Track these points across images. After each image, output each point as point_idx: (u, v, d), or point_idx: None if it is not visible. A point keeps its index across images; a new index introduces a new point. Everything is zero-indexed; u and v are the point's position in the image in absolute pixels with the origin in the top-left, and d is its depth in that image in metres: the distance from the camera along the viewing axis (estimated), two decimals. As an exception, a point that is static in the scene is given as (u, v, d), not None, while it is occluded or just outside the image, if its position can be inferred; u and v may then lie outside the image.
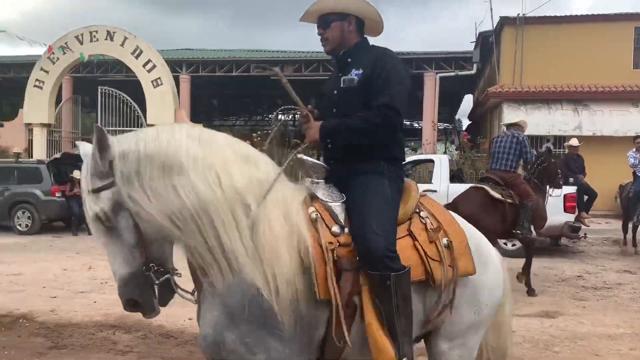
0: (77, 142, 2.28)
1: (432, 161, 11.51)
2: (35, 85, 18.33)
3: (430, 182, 11.23)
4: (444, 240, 2.35)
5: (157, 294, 2.11)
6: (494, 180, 6.95)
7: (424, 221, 2.39)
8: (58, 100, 19.48)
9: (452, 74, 18.76)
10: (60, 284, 7.23)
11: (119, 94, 17.72)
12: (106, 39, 17.67)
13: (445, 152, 17.22)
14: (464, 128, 26.67)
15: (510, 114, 16.03)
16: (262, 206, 2.08)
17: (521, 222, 6.67)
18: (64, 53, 17.63)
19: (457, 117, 31.91)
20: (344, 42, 2.56)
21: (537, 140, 16.44)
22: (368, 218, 2.20)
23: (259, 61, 20.27)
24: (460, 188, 8.45)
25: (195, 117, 20.84)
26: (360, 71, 2.43)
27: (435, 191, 10.49)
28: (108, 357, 2.89)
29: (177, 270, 2.18)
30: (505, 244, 9.66)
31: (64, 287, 5.99)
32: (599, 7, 71.07)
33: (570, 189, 9.73)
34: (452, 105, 28.74)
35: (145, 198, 2.00)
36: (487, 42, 18.64)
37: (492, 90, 16.76)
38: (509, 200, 6.67)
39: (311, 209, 2.22)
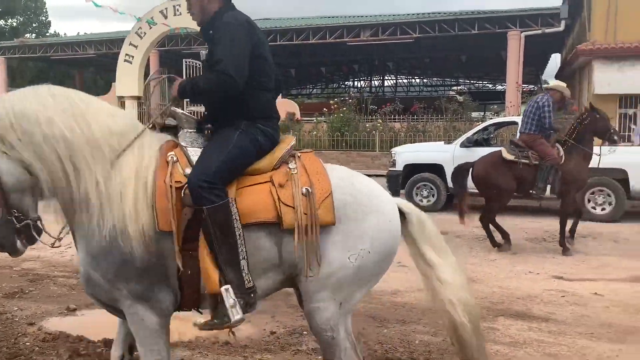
0: None
1: (515, 123, 11.16)
2: (125, 60, 19.27)
3: (513, 145, 10.91)
4: (304, 189, 2.46)
5: (19, 237, 2.33)
6: (516, 142, 7.36)
7: (288, 170, 2.53)
8: (146, 73, 20.47)
9: (538, 32, 17.79)
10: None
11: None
12: (188, 12, 18.14)
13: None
14: (550, 89, 25.32)
15: (601, 73, 15.09)
16: (117, 155, 2.36)
17: (536, 182, 7.04)
18: (150, 28, 18.35)
19: (543, 77, 30.38)
20: (206, 13, 2.65)
21: (633, 99, 15.39)
22: (200, 159, 2.44)
23: (335, 27, 20.22)
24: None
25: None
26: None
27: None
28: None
29: (40, 218, 2.39)
30: (594, 208, 9.37)
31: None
32: None
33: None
34: (537, 66, 27.35)
35: (21, 148, 2.24)
36: (577, -4, 17.49)
37: (582, 48, 15.74)
38: (523, 161, 7.02)
39: (171, 153, 2.46)
